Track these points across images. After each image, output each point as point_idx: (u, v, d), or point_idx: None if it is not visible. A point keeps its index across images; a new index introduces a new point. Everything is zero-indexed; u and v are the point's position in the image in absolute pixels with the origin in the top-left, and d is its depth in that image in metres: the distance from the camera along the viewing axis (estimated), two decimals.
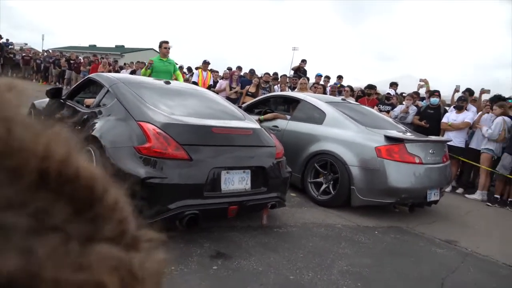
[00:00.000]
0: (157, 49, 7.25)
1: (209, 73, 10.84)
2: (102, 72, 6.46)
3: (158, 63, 6.74)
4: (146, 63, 6.95)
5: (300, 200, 4.96)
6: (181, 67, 12.94)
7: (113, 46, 49.84)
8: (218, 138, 3.31)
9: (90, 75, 4.70)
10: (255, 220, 3.89)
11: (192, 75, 11.74)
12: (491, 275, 3.47)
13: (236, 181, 3.33)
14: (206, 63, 10.94)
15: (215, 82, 10.95)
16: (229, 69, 11.84)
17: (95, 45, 55.55)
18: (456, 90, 8.22)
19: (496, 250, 4.14)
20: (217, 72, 11.80)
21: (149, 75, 6.50)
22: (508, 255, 4.05)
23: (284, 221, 4.07)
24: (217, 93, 9.53)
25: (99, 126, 3.42)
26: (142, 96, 3.55)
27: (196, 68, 12.49)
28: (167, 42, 6.86)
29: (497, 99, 7.00)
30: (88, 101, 4.20)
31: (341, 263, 3.23)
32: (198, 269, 2.80)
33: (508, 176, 6.32)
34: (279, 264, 3.04)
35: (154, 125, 3.15)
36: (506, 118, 6.53)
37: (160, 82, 4.21)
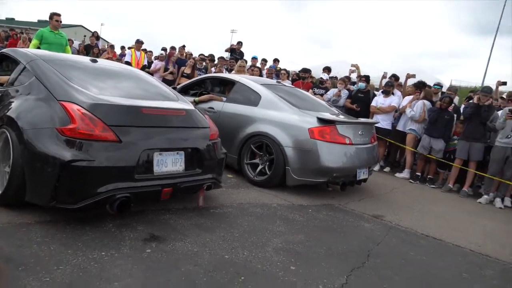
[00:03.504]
0: (85, 26, 6.96)
1: (142, 53, 10.38)
2: (23, 48, 5.91)
3: (49, 35, 6.57)
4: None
5: (237, 181, 4.98)
6: (112, 46, 12.25)
7: (35, 21, 45.88)
8: (149, 119, 3.18)
9: (4, 50, 4.26)
10: (191, 202, 3.84)
11: (125, 55, 11.17)
12: (411, 245, 3.77)
13: (169, 163, 3.25)
14: (139, 43, 10.45)
15: (150, 63, 10.53)
16: (164, 49, 11.44)
17: (13, 19, 50.89)
18: (384, 76, 8.71)
19: (416, 223, 4.51)
20: (151, 52, 11.33)
21: (38, 47, 6.35)
22: (425, 226, 4.43)
23: (221, 202, 4.06)
24: (152, 74, 9.21)
25: (15, 106, 3.13)
26: (65, 74, 3.29)
27: (129, 48, 11.89)
28: (59, 15, 6.70)
29: (422, 85, 7.52)
30: (2, 78, 3.80)
31: (275, 240, 3.31)
32: (130, 253, 2.71)
33: (427, 155, 6.88)
34: (214, 244, 3.04)
35: (79, 105, 2.95)
36: (426, 101, 7.06)
37: (86, 60, 3.93)
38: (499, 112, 6.25)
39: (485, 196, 6.19)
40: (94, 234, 2.90)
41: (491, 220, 5.21)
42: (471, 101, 6.92)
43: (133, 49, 10.35)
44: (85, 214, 3.17)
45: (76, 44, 13.95)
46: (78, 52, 12.41)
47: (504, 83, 6.89)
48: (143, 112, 3.16)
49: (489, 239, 4.35)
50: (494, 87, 7.06)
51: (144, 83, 3.97)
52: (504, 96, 6.94)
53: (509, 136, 5.88)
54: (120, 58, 11.38)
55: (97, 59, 4.14)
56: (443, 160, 6.79)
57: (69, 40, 8.96)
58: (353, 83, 9.04)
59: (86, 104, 2.96)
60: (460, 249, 3.90)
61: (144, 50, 11.35)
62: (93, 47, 12.07)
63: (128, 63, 9.79)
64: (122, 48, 13.75)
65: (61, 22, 6.76)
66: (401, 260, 3.34)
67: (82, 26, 44.23)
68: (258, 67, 9.63)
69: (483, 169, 6.46)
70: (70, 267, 2.42)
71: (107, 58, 10.89)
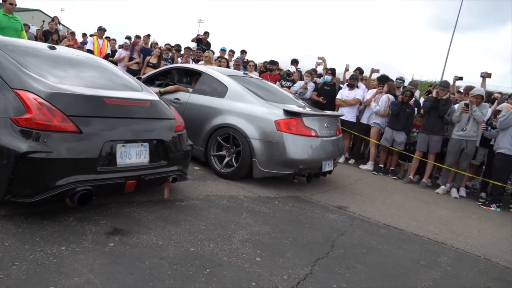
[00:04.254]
0: (44, 11, 6.60)
1: (105, 41, 10.01)
2: None
3: (2, 18, 6.24)
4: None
5: (204, 173, 4.95)
6: (73, 33, 11.74)
7: None
8: (111, 110, 3.07)
9: None
10: (156, 194, 3.77)
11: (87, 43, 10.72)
12: (373, 234, 3.89)
13: (133, 155, 3.17)
14: (101, 30, 10.06)
15: (113, 51, 10.18)
16: (128, 38, 11.10)
17: None
18: (346, 69, 8.87)
19: (378, 213, 4.66)
20: (115, 40, 10.96)
21: None
22: (387, 216, 4.59)
23: (187, 195, 4.02)
24: (116, 64, 8.92)
25: None
26: (19, 61, 3.10)
27: (91, 35, 11.44)
28: None
29: (385, 79, 7.72)
30: None
31: (242, 232, 3.32)
32: (92, 247, 2.63)
33: (390, 147, 7.11)
34: (180, 237, 3.01)
35: (36, 94, 2.80)
36: (390, 96, 7.26)
37: (43, 47, 3.73)
38: (456, 106, 6.54)
39: (442, 187, 6.48)
40: (54, 229, 2.79)
41: (447, 210, 5.47)
42: (430, 95, 7.19)
43: (95, 37, 9.95)
44: (44, 208, 3.04)
45: (33, 29, 13.26)
46: (36, 38, 11.80)
47: (461, 78, 7.19)
48: (106, 102, 3.06)
49: (445, 228, 4.57)
50: (452, 82, 7.37)
51: (106, 73, 3.83)
52: (461, 90, 7.25)
53: (465, 129, 6.17)
54: (81, 46, 10.93)
55: (56, 46, 3.94)
56: (404, 152, 7.04)
57: (25, 25, 8.49)
58: (320, 76, 9.15)
59: (43, 93, 2.82)
60: (419, 237, 4.07)
61: (107, 38, 10.97)
62: (52, 33, 11.51)
63: (90, 51, 9.42)
64: (84, 35, 13.21)
65: (15, 5, 6.37)
66: (364, 250, 3.44)
67: (40, 11, 42.08)
68: (225, 58, 9.55)
69: (441, 160, 6.75)
70: (27, 263, 2.32)
71: (68, 46, 10.45)
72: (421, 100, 8.02)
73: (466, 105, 6.15)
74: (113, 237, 2.82)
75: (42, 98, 2.78)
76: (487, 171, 6.64)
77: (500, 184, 5.87)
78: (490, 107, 6.66)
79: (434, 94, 6.75)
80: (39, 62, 3.27)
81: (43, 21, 13.00)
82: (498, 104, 6.71)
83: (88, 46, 9.77)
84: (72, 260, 2.43)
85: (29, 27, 12.61)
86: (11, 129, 2.67)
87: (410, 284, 2.95)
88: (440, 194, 6.37)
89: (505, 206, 6.12)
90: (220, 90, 5.27)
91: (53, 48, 3.76)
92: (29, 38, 9.15)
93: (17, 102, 2.75)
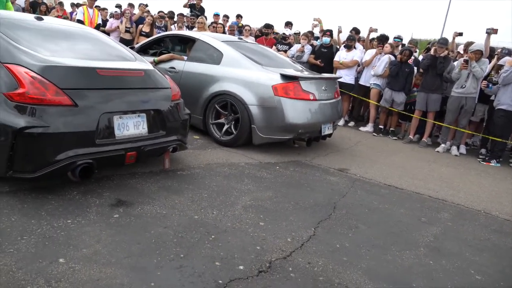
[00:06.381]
0: None
1: (96, 10, 9.70)
2: None
3: None
4: None
5: (204, 142, 4.94)
6: (61, 3, 11.38)
7: None
8: (106, 81, 3.02)
9: None
10: (157, 165, 3.78)
11: (76, 13, 10.41)
12: (374, 195, 3.94)
13: (131, 126, 3.14)
14: None
15: (104, 21, 9.90)
16: (119, 6, 10.76)
17: None
18: (339, 31, 8.66)
19: (379, 174, 4.69)
20: (106, 9, 10.64)
21: None
22: (388, 177, 4.63)
23: (188, 164, 4.03)
24: (108, 34, 8.70)
25: None
26: (8, 34, 3.01)
27: (80, 5, 11.08)
28: None
29: (385, 39, 7.55)
30: None
31: (244, 198, 3.35)
32: (97, 219, 2.66)
33: (389, 108, 7.07)
34: (183, 206, 3.04)
35: (28, 68, 2.74)
36: (391, 56, 7.13)
37: (30, 18, 3.61)
38: (455, 63, 6.44)
39: (443, 145, 6.50)
40: (58, 203, 2.81)
41: (448, 167, 5.51)
42: (428, 53, 7.06)
43: (85, 7, 9.63)
44: (48, 183, 3.06)
45: (21, 1, 12.84)
46: (24, 10, 11.46)
47: (461, 34, 6.99)
48: (99, 73, 3.00)
49: (446, 185, 4.62)
50: (451, 39, 7.20)
51: (98, 43, 3.73)
52: (461, 50, 7.09)
53: (464, 85, 6.10)
54: (70, 17, 10.64)
55: (43, 17, 3.82)
56: (404, 112, 7.00)
57: None
58: (316, 38, 8.95)
59: (35, 66, 2.76)
60: (419, 195, 4.12)
61: (98, 7, 10.62)
62: (40, 4, 11.17)
63: (80, 21, 9.15)
64: (73, 5, 12.81)
65: None
66: (365, 210, 3.49)
67: None
68: (221, 24, 9.31)
69: (440, 119, 6.73)
70: (35, 236, 2.35)
71: (57, 17, 10.16)
72: (420, 58, 7.88)
73: (465, 61, 6.05)
74: (117, 209, 2.85)
75: (34, 72, 2.73)
76: (487, 128, 6.63)
77: (501, 140, 5.88)
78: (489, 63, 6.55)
79: (432, 52, 6.63)
80: (28, 34, 3.18)
81: None
82: (499, 59, 6.59)
83: (78, 16, 9.47)
84: (79, 232, 2.46)
85: None
86: (5, 105, 2.63)
87: (412, 240, 3.02)
88: (440, 152, 6.40)
89: (505, 161, 6.16)
90: (215, 57, 5.17)
91: (41, 19, 3.64)
92: (16, 10, 8.89)
93: (8, 77, 2.70)
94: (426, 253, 2.84)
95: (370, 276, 2.43)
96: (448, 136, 6.55)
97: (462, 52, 7.01)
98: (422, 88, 6.64)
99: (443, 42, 6.57)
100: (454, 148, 6.44)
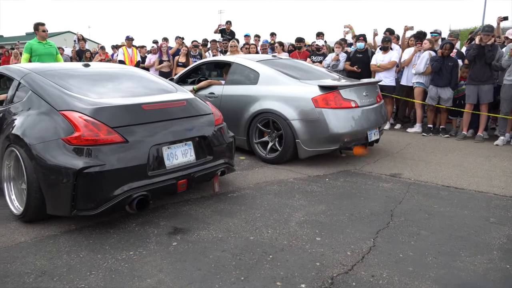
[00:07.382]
0: (74, 32, 6.94)
1: (134, 49, 10.24)
2: (15, 64, 5.90)
3: (38, 46, 6.55)
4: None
5: (250, 162, 4.98)
6: (103, 47, 12.13)
7: (23, 34, 45.75)
8: (151, 115, 3.15)
9: None
10: (208, 190, 3.85)
11: (117, 54, 11.04)
12: (433, 198, 3.74)
13: (179, 155, 3.24)
14: (129, 39, 10.30)
15: (143, 58, 10.41)
16: (155, 42, 11.29)
17: (1, 36, 50.68)
18: (375, 34, 8.49)
19: (435, 175, 4.47)
20: (145, 47, 11.20)
21: (30, 60, 6.40)
22: (445, 178, 4.40)
23: (237, 185, 4.07)
24: (148, 69, 9.13)
25: (19, 123, 3.12)
26: (60, 83, 3.26)
27: (120, 46, 11.75)
28: (43, 24, 6.64)
29: (422, 36, 7.32)
30: (0, 97, 3.80)
31: (297, 214, 3.32)
32: (157, 248, 2.73)
33: (437, 105, 6.77)
34: (237, 228, 3.05)
35: (80, 112, 2.93)
36: (431, 52, 6.88)
37: (78, 66, 3.88)
38: (503, 50, 6.08)
39: (501, 138, 6.10)
40: (119, 236, 2.93)
41: (511, 161, 5.14)
42: (472, 42, 6.73)
43: (124, 47, 10.21)
44: (108, 218, 3.21)
45: (68, 51, 13.85)
46: (71, 59, 12.33)
47: (506, 18, 6.58)
48: (144, 108, 3.14)
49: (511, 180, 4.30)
50: (495, 25, 6.83)
51: (140, 80, 3.93)
52: (509, 34, 6.69)
53: None
54: (112, 58, 11.28)
55: (89, 63, 4.09)
56: (453, 108, 6.68)
57: (59, 48, 8.88)
58: (350, 45, 8.84)
59: (87, 110, 2.94)
60: (483, 194, 3.87)
61: (135, 46, 11.21)
62: (84, 51, 11.97)
63: (121, 61, 9.70)
64: (113, 47, 13.61)
65: (47, 31, 6.69)
66: (425, 215, 3.33)
67: (70, 32, 43.91)
68: (254, 44, 9.47)
69: (495, 110, 6.34)
70: (102, 270, 2.45)
71: (100, 60, 10.83)
72: (463, 49, 7.54)
73: None
74: (175, 237, 2.91)
75: (87, 115, 2.90)
76: None
77: None
78: None
79: (477, 41, 6.31)
80: (77, 81, 3.42)
81: (74, 41, 13.51)
82: None
83: (119, 57, 10.05)
84: (142, 263, 2.54)
85: (63, 50, 13.18)
86: (64, 149, 2.82)
87: (482, 243, 2.82)
88: (500, 145, 6.00)
89: None
90: (252, 77, 5.25)
91: (88, 66, 3.91)
92: (65, 60, 9.59)
93: (65, 123, 2.90)
94: (501, 257, 2.64)
95: (440, 286, 2.29)
96: (506, 127, 6.14)
97: (510, 37, 6.60)
98: (471, 80, 6.31)
99: (488, 29, 6.21)
100: None
